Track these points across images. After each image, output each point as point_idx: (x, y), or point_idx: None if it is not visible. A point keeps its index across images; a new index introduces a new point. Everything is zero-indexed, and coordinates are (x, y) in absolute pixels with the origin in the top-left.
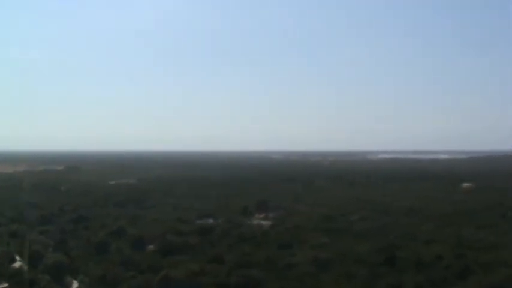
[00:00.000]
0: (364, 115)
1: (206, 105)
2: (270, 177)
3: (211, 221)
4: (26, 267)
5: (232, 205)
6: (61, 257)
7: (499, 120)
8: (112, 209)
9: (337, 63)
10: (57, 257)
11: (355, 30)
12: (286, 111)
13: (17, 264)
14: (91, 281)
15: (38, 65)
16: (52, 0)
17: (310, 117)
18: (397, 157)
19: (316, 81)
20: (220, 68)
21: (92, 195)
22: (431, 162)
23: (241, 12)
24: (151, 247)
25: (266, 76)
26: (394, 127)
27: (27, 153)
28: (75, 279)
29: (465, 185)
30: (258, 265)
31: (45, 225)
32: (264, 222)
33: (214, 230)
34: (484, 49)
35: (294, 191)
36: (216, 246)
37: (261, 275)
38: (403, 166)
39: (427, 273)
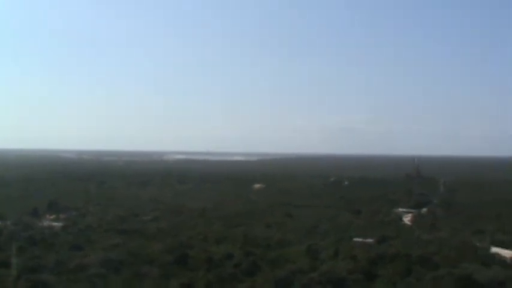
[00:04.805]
0: (163, 115)
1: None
2: (61, 177)
3: None
4: None
5: (21, 206)
6: None
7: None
8: None
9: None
10: None
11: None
12: (78, 109)
13: None
14: None
15: None
16: None
17: (102, 116)
18: (192, 158)
19: (105, 81)
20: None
21: None
22: (225, 163)
23: None
24: None
25: (55, 74)
26: (189, 128)
27: None
28: None
29: (256, 185)
30: (48, 268)
31: None
32: (55, 224)
33: (1, 233)
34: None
35: (87, 191)
36: (3, 250)
37: (51, 278)
38: (198, 167)
39: (217, 271)
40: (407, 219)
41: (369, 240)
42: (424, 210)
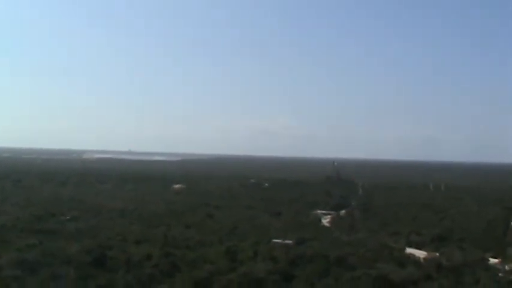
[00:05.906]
0: (80, 113)
1: None
2: None
3: None
4: None
5: None
6: None
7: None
8: None
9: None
10: None
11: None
12: None
13: None
14: None
15: None
16: None
17: (23, 114)
18: (113, 157)
19: (26, 76)
20: None
21: None
22: (146, 163)
23: None
24: None
25: None
26: (110, 127)
27: None
28: None
29: (176, 186)
30: None
31: None
32: None
33: None
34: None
35: (2, 190)
36: None
37: None
38: (118, 166)
39: (136, 273)
40: (326, 221)
41: (288, 241)
42: (343, 212)
